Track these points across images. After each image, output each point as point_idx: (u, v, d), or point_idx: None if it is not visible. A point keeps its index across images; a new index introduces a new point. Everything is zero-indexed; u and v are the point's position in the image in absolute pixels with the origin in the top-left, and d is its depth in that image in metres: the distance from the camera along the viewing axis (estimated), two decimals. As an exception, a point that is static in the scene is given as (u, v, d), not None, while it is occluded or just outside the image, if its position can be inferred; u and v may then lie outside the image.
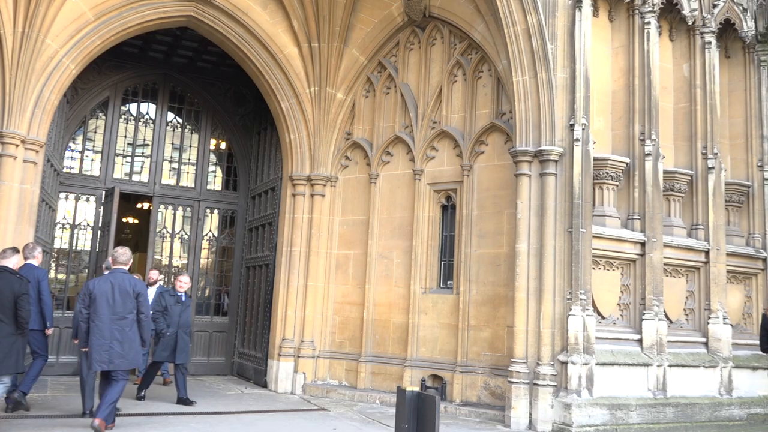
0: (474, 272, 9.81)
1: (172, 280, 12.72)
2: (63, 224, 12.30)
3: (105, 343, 7.09)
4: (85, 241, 12.68)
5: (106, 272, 7.87)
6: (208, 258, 13.66)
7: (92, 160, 12.75)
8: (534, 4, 8.93)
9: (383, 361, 10.51)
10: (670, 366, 9.05)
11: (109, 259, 7.86)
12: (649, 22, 9.61)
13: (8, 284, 6.84)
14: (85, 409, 8.00)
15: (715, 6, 10.26)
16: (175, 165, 13.47)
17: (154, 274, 11.41)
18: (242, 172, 13.77)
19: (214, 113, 13.69)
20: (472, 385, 9.56)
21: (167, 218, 13.33)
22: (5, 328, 6.76)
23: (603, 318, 9.00)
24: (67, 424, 7.62)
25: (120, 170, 12.94)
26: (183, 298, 9.56)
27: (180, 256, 14.02)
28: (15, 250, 7.33)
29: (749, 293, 10.48)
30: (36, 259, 8.27)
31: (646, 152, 9.32)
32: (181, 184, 13.36)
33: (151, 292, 10.96)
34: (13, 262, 7.15)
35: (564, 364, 8.35)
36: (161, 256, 13.28)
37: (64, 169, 12.19)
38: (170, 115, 13.43)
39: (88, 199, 12.45)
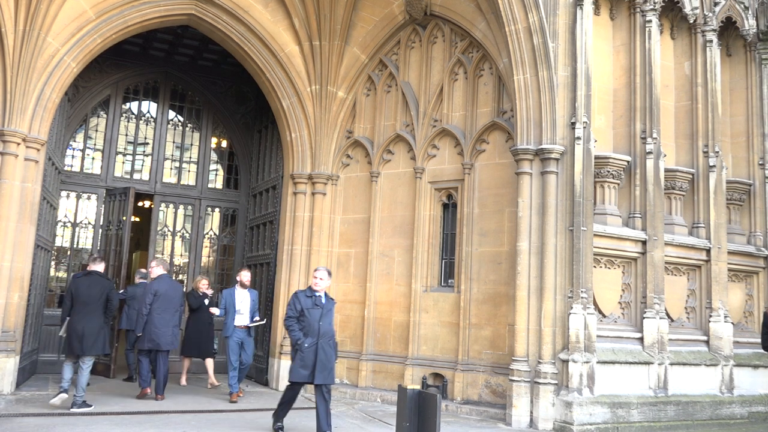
0: (475, 270, 9.81)
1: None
2: (64, 222, 12.30)
3: (156, 330, 9.33)
4: (86, 239, 12.69)
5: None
6: (209, 256, 13.67)
7: (93, 158, 12.76)
8: (535, 3, 8.92)
9: (384, 359, 10.51)
10: (671, 364, 9.05)
11: (143, 270, 10.26)
12: (650, 21, 9.59)
13: (99, 284, 8.67)
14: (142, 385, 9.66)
15: (716, 4, 10.25)
16: (177, 163, 13.47)
17: (245, 276, 10.39)
18: (243, 171, 13.77)
19: (215, 112, 13.69)
20: (473, 383, 9.56)
21: (168, 216, 13.34)
22: (95, 319, 8.50)
23: (604, 316, 9.00)
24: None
25: (121, 168, 12.95)
26: (323, 300, 7.57)
27: (181, 255, 14.03)
28: (102, 258, 9.40)
29: (750, 291, 10.49)
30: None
31: (647, 150, 9.31)
32: (182, 182, 13.36)
33: (242, 297, 10.12)
34: (101, 267, 9.00)
35: (565, 362, 8.36)
36: (162, 254, 13.27)
37: (66, 168, 12.20)
38: (171, 114, 13.44)
39: (89, 198, 12.46)
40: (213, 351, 11.16)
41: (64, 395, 8.41)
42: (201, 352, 10.92)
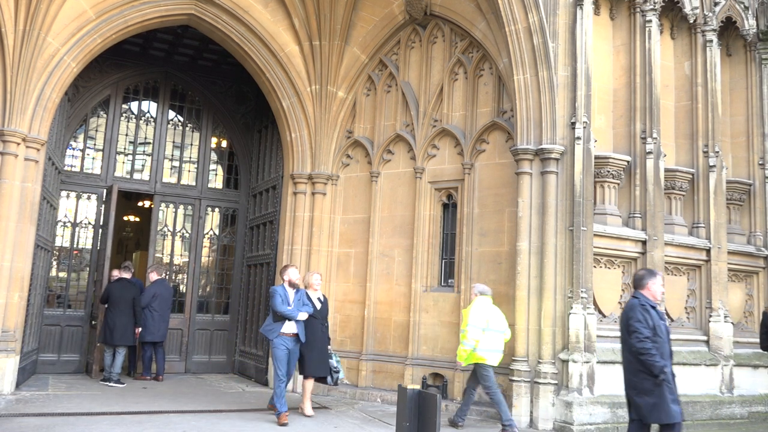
0: (475, 270, 9.81)
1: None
2: (64, 222, 12.30)
3: (157, 325, 11.30)
4: (86, 239, 12.68)
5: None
6: (209, 256, 13.66)
7: (93, 158, 12.75)
8: (535, 2, 8.92)
9: (384, 359, 10.51)
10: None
11: (152, 273, 11.80)
12: (650, 20, 9.60)
13: (127, 289, 10.95)
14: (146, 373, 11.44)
15: (716, 4, 10.25)
16: (176, 163, 13.46)
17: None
18: (243, 171, 13.77)
19: (215, 111, 13.69)
20: (473, 383, 9.55)
21: (168, 216, 13.34)
22: (123, 317, 10.71)
23: (604, 316, 9.00)
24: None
25: (121, 168, 12.94)
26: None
27: (181, 255, 14.02)
28: (130, 267, 11.46)
29: (750, 291, 10.49)
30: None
31: (647, 150, 9.31)
32: (182, 182, 13.35)
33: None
34: (129, 275, 11.24)
35: (565, 362, 8.36)
36: (162, 254, 13.27)
37: (66, 168, 12.19)
38: (171, 114, 13.42)
39: (89, 198, 12.45)
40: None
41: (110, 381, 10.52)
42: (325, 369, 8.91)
